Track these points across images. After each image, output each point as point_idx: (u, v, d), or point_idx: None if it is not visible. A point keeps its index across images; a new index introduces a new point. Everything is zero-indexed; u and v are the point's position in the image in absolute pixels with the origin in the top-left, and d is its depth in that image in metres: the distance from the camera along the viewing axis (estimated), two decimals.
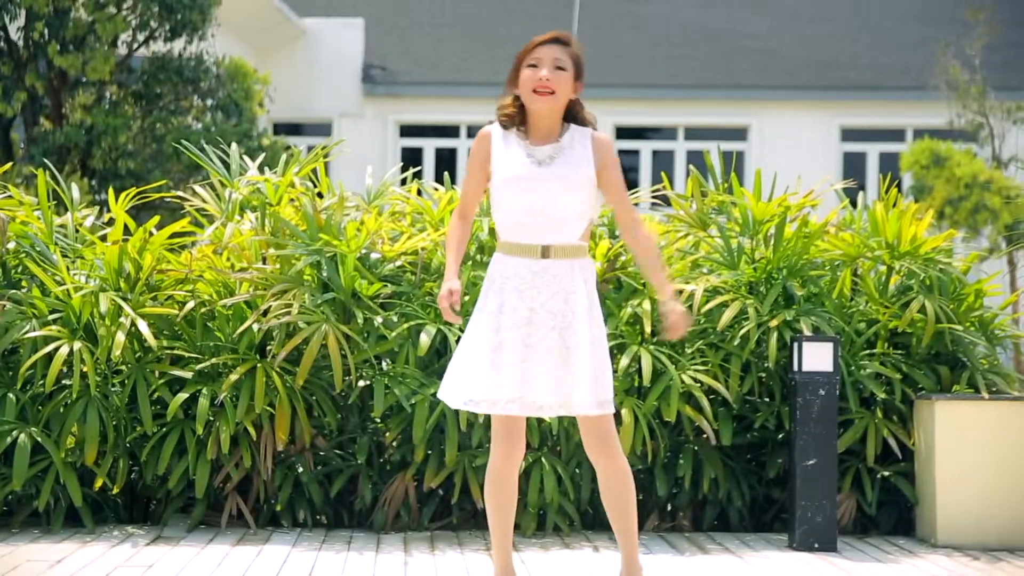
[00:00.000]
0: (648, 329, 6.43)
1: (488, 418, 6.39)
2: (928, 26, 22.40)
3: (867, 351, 6.71)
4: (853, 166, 21.35)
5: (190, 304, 6.46)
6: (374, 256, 6.65)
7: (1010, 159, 17.06)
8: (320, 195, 6.96)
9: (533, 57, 4.31)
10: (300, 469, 6.56)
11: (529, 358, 4.26)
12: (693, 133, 21.93)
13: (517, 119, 4.36)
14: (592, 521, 6.67)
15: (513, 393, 4.27)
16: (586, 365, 4.29)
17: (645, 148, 22.19)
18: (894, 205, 6.95)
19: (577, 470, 6.53)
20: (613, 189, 4.42)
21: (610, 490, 4.47)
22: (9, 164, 7.41)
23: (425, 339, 6.35)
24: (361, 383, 6.53)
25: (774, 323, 6.46)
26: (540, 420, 6.39)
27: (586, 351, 4.29)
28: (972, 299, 6.84)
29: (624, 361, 6.37)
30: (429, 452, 6.49)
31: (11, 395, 6.30)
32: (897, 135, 21.42)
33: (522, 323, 4.27)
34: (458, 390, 4.34)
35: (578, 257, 4.36)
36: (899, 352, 6.75)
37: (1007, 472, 6.32)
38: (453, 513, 6.62)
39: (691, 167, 7.25)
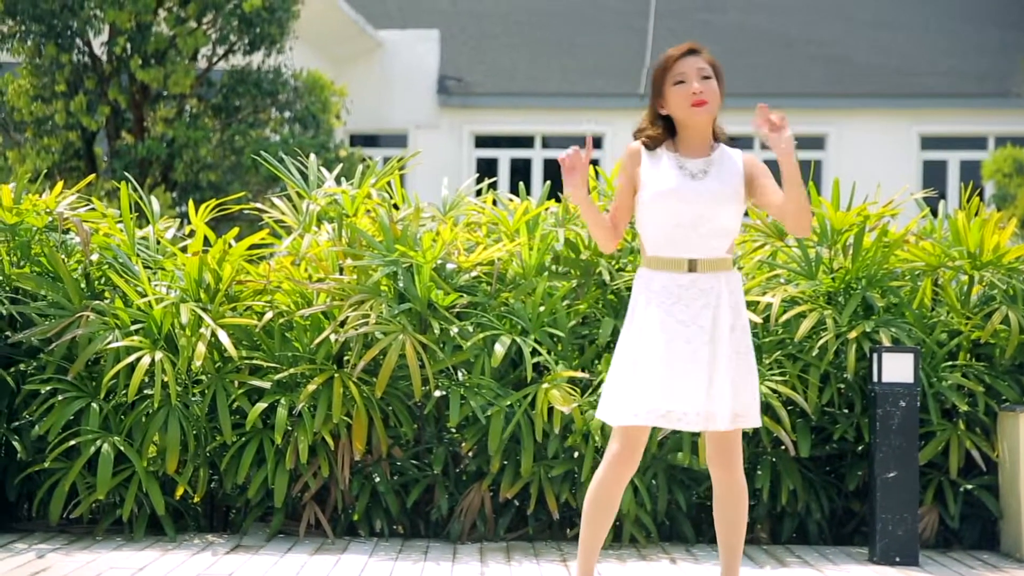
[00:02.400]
0: None
1: (565, 429, 6.38)
2: (1008, 31, 22.06)
3: (949, 362, 6.61)
4: (933, 175, 21.07)
5: (268, 315, 6.53)
6: (450, 267, 6.67)
7: None
8: (396, 206, 7.00)
9: (677, 73, 4.28)
10: (377, 479, 6.59)
11: (675, 371, 4.23)
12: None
13: (663, 139, 4.35)
14: (669, 533, 6.63)
15: (659, 406, 4.24)
16: (727, 379, 4.27)
17: None
18: (976, 214, 6.85)
19: (654, 481, 6.50)
20: (772, 190, 4.38)
21: (727, 504, 4.44)
22: (92, 177, 7.53)
23: (500, 349, 6.36)
24: (437, 393, 6.55)
25: (853, 334, 6.38)
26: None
27: (728, 364, 4.28)
28: None
29: None
30: (505, 463, 6.49)
31: (95, 405, 6.40)
32: (978, 143, 21.11)
33: (671, 338, 4.24)
34: (614, 407, 4.31)
35: (724, 270, 4.33)
36: (982, 363, 6.64)
37: None
38: (529, 524, 6.62)
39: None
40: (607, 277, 6.67)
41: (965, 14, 23.80)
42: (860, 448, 6.61)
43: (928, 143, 21.32)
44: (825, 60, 22.67)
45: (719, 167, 4.34)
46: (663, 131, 4.34)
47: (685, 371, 4.23)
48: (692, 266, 4.27)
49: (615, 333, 6.61)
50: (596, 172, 7.22)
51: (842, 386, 6.59)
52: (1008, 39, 21.11)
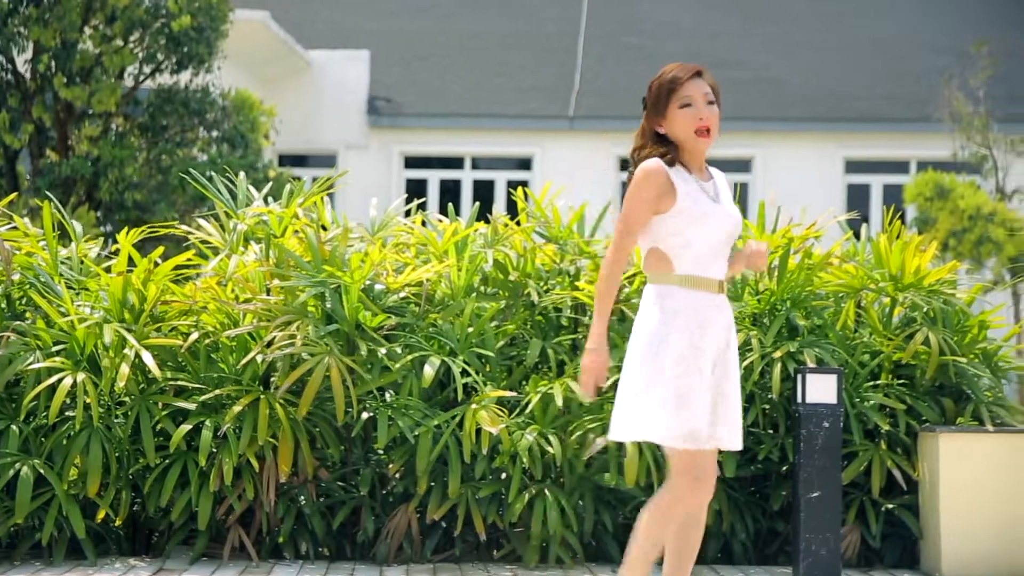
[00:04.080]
0: None
1: (493, 450, 6.37)
2: (932, 58, 22.47)
3: (871, 383, 6.70)
4: (857, 198, 21.36)
5: (194, 335, 6.47)
6: (378, 287, 6.66)
7: (1014, 191, 17.07)
8: (324, 227, 6.97)
9: (684, 96, 4.16)
10: (303, 501, 6.54)
11: (712, 392, 4.16)
12: None
13: (677, 158, 4.19)
14: (595, 553, 6.64)
15: (707, 427, 4.13)
16: (737, 397, 4.23)
17: None
18: (898, 237, 6.96)
19: (580, 501, 6.51)
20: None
21: (698, 525, 4.34)
22: (15, 195, 7.43)
23: (429, 370, 6.35)
24: (365, 415, 6.53)
25: (778, 354, 6.45)
26: (544, 451, 6.38)
27: (737, 383, 4.25)
28: (976, 331, 6.83)
29: None
30: (432, 484, 6.47)
31: (14, 427, 6.30)
32: (901, 167, 21.44)
33: (708, 359, 4.13)
34: (651, 426, 4.13)
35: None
36: (903, 384, 6.74)
37: (1012, 504, 6.30)
38: (456, 545, 6.60)
39: None
40: (535, 298, 6.69)
41: (891, 41, 24.19)
42: (784, 468, 6.67)
43: (852, 167, 21.61)
44: (753, 83, 22.92)
45: (723, 191, 4.27)
46: (668, 150, 4.18)
47: (713, 391, 4.14)
48: (720, 287, 4.20)
49: (543, 354, 6.63)
50: (525, 193, 7.25)
51: (767, 406, 6.65)
52: (930, 65, 21.48)
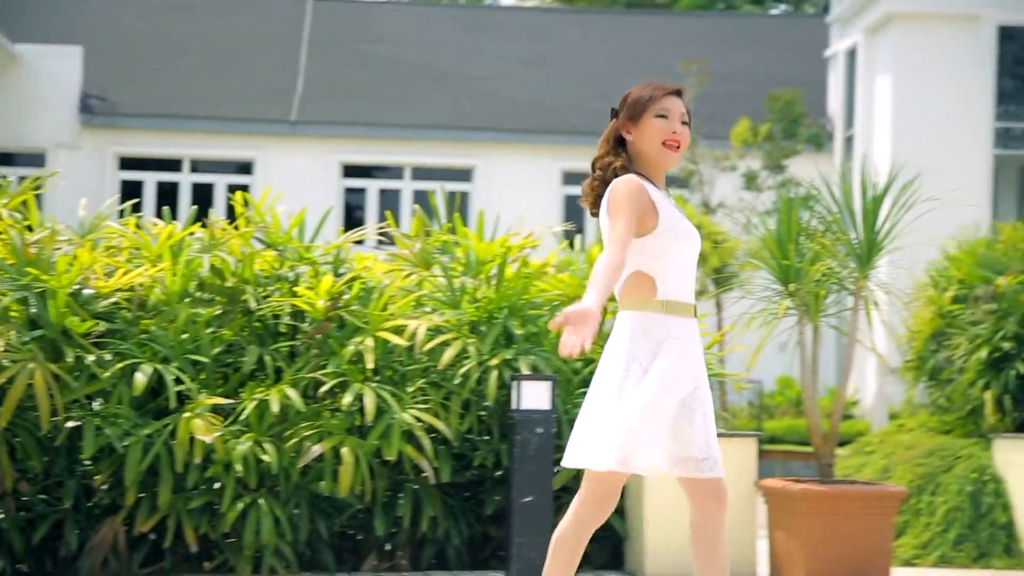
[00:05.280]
0: (370, 366, 6.42)
1: (206, 459, 6.23)
2: (645, 75, 23.27)
3: (583, 389, 6.89)
4: (574, 208, 21.96)
5: None
6: (87, 292, 6.41)
7: (719, 205, 17.91)
8: (30, 228, 6.67)
9: (663, 107, 4.07)
10: (1, 515, 6.23)
11: (688, 416, 3.99)
12: (420, 173, 22.12)
13: (629, 166, 4.06)
14: (310, 562, 6.59)
15: (680, 452, 3.96)
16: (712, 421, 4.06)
17: (372, 187, 22.24)
18: None
19: (296, 510, 6.44)
20: None
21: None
22: None
23: (140, 378, 6.15)
24: (71, 424, 6.27)
25: (494, 362, 6.55)
26: (259, 460, 6.28)
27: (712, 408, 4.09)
28: None
29: (347, 399, 6.33)
30: (141, 495, 6.28)
31: None
32: None
33: (687, 383, 3.98)
34: (619, 452, 3.93)
35: None
36: None
37: None
38: (166, 558, 6.42)
39: (417, 207, 7.30)
40: (253, 304, 6.58)
41: (606, 57, 24.99)
42: (499, 474, 6.78)
43: (570, 178, 22.22)
44: (474, 95, 23.26)
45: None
46: (627, 160, 4.07)
47: (689, 416, 3.98)
48: (695, 311, 4.08)
49: (260, 360, 6.53)
50: (245, 200, 7.13)
51: (483, 413, 6.75)
52: (640, 82, 22.28)
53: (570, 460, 4.02)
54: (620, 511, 6.80)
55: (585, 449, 3.97)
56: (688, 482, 4.02)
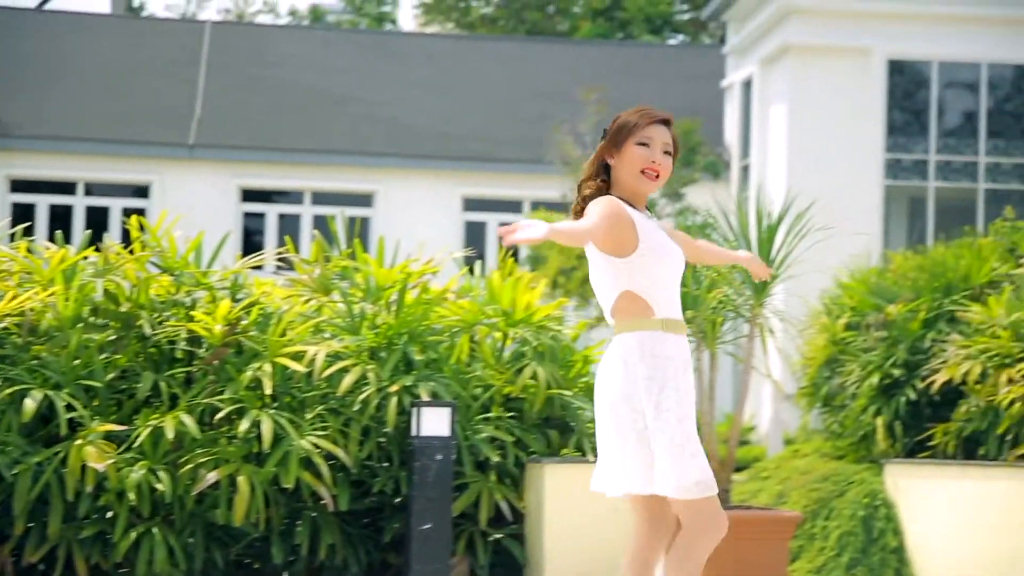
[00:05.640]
0: (268, 392, 6.35)
1: (99, 487, 6.11)
2: (544, 103, 23.47)
3: (483, 416, 6.89)
4: (475, 234, 22.01)
5: None
6: None
7: None
8: None
9: (645, 135, 4.07)
10: None
11: (687, 437, 4.00)
12: (320, 198, 22.01)
13: (609, 190, 4.09)
14: None
15: (690, 477, 3.96)
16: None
17: (271, 211, 22.08)
18: (510, 274, 7.20)
19: (190, 539, 6.34)
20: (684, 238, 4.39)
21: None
22: None
23: (30, 404, 6.02)
24: None
25: (394, 388, 6.53)
26: (153, 488, 6.17)
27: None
28: (580, 365, 7.15)
29: (244, 425, 6.26)
30: (31, 525, 6.13)
31: None
32: (515, 206, 22.27)
33: (688, 404, 4.02)
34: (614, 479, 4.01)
35: None
36: (513, 416, 6.96)
37: (611, 532, 6.62)
38: None
39: (316, 232, 7.26)
40: (148, 329, 6.48)
41: (506, 84, 25.10)
42: (398, 501, 6.74)
43: (470, 204, 22.27)
44: (375, 120, 23.21)
45: (660, 225, 4.21)
46: (606, 183, 4.10)
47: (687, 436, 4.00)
48: (686, 328, 4.10)
49: (155, 387, 6.43)
50: (141, 224, 7.03)
51: (383, 439, 6.71)
52: (544, 110, 22.43)
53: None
54: (519, 537, 6.80)
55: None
56: (683, 503, 3.98)
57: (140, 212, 16.95)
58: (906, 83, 19.77)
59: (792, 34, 19.29)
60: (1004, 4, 19.30)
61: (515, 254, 7.73)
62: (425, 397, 6.47)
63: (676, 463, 3.91)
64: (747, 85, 21.40)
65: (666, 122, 4.13)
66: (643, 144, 4.06)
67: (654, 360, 3.97)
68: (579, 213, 4.11)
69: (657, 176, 4.07)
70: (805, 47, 19.32)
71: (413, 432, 6.27)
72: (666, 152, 4.09)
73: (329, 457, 6.55)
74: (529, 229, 3.63)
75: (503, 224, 19.33)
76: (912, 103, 19.82)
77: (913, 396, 8.44)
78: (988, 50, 19.48)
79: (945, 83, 19.81)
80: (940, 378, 8.09)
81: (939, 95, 19.76)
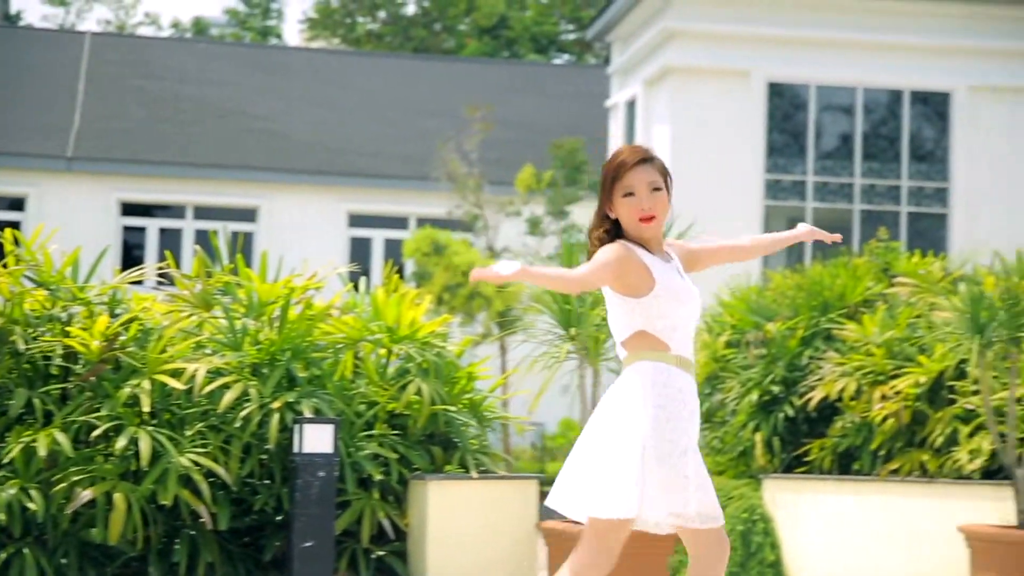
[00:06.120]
0: (147, 409, 6.24)
1: None
2: (431, 120, 23.48)
3: (366, 432, 6.85)
4: (360, 251, 21.89)
5: None
6: None
7: (503, 249, 18.12)
8: None
9: (627, 185, 4.11)
10: None
11: (697, 470, 4.09)
12: (202, 212, 21.71)
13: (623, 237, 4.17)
14: None
15: (691, 508, 4.06)
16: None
17: (152, 226, 21.72)
18: (395, 290, 7.18)
19: (64, 560, 6.19)
20: (711, 248, 4.46)
21: None
22: None
23: None
24: None
25: (276, 405, 6.46)
26: (24, 507, 6.02)
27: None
28: (465, 382, 7.16)
29: (121, 443, 6.14)
30: None
31: None
32: (401, 222, 22.21)
33: (694, 438, 4.10)
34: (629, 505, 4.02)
35: None
36: (397, 433, 6.93)
37: (494, 547, 6.63)
38: None
39: (198, 247, 7.16)
40: (22, 345, 6.33)
41: (393, 100, 25.06)
42: (279, 518, 6.67)
43: (356, 220, 22.14)
44: (259, 134, 22.99)
45: (679, 266, 4.26)
46: (614, 227, 4.17)
47: (698, 470, 4.11)
48: (694, 368, 4.20)
49: (29, 404, 6.29)
50: (16, 238, 6.87)
51: (264, 457, 6.63)
52: (431, 127, 22.42)
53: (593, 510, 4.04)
54: (402, 555, 6.77)
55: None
56: (690, 532, 4.11)
57: (15, 225, 16.57)
58: (785, 106, 20.18)
59: (674, 56, 19.56)
60: (878, 30, 19.81)
61: (400, 271, 7.71)
62: (308, 414, 6.42)
63: (669, 493, 4.02)
64: (631, 105, 21.65)
65: (644, 160, 4.17)
66: (629, 194, 4.13)
67: (666, 390, 4.07)
68: (590, 259, 4.19)
69: (653, 218, 4.14)
70: (687, 69, 19.61)
71: (295, 449, 6.22)
72: (655, 189, 4.15)
73: (209, 475, 6.45)
74: (500, 267, 3.72)
75: (389, 240, 19.10)
76: (791, 125, 20.22)
77: (791, 412, 8.60)
78: (863, 74, 19.97)
79: (823, 106, 20.25)
80: (817, 395, 8.25)
81: (817, 118, 20.20)
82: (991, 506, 7.42)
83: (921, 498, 7.58)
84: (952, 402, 8.17)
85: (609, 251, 4.06)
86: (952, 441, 8.11)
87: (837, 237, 4.69)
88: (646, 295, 4.09)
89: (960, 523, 7.24)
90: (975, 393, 7.95)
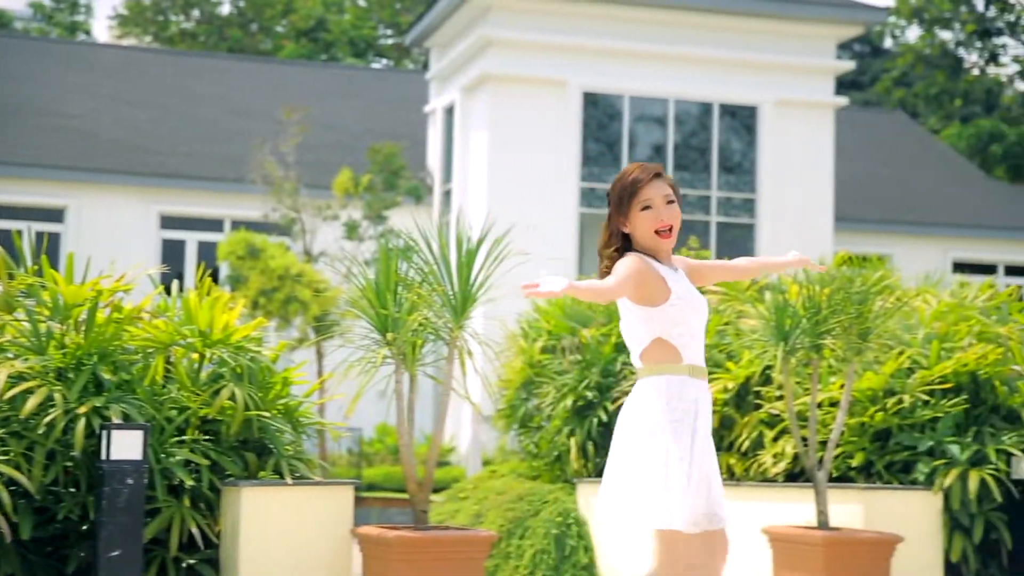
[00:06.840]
0: None
1: None
2: (246, 121, 23.14)
3: (178, 438, 6.71)
4: (173, 253, 21.42)
5: None
6: None
7: (320, 254, 17.97)
8: None
9: (644, 199, 4.34)
10: None
11: (713, 472, 4.40)
12: (5, 212, 20.94)
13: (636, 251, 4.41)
14: None
15: (716, 509, 4.39)
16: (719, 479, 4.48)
17: None
18: (208, 293, 7.05)
19: None
20: (711, 265, 4.70)
21: None
22: None
23: None
24: None
25: (82, 410, 6.27)
26: None
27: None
28: (280, 387, 7.07)
29: None
30: None
31: None
32: (216, 225, 21.81)
33: (710, 443, 4.39)
34: (666, 513, 4.26)
35: None
36: (209, 439, 6.81)
37: (308, 553, 6.56)
38: None
39: (0, 248, 6.91)
40: None
41: (207, 99, 24.61)
42: (85, 527, 6.48)
43: (168, 222, 21.65)
44: (67, 132, 22.30)
45: (688, 278, 4.48)
46: (624, 241, 4.40)
47: (713, 472, 4.41)
48: (706, 372, 4.44)
49: None
50: None
51: (70, 464, 6.44)
52: (246, 128, 22.10)
53: (633, 524, 4.30)
54: (214, 563, 6.65)
55: (650, 512, 4.28)
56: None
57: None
58: (600, 115, 20.51)
59: (491, 64, 19.70)
60: (690, 43, 20.31)
61: (215, 274, 7.57)
62: (116, 419, 6.25)
63: (685, 497, 4.28)
64: (449, 111, 21.72)
65: (658, 174, 4.40)
66: (647, 208, 4.35)
67: (680, 403, 4.33)
68: (605, 275, 4.41)
69: (670, 230, 4.38)
70: (504, 77, 19.77)
71: (103, 456, 6.05)
72: (670, 202, 4.38)
73: (10, 483, 6.23)
74: (550, 283, 3.93)
75: (203, 243, 18.80)
76: (606, 134, 20.56)
77: (604, 417, 8.75)
78: (675, 87, 20.44)
79: (636, 116, 20.66)
80: None
81: (630, 128, 20.59)
82: (794, 508, 7.67)
83: (728, 500, 7.78)
84: (758, 407, 8.43)
85: (629, 262, 4.30)
86: (758, 445, 8.37)
87: (823, 268, 5.14)
88: (663, 304, 4.33)
89: (765, 525, 7.47)
90: (779, 398, 8.21)
